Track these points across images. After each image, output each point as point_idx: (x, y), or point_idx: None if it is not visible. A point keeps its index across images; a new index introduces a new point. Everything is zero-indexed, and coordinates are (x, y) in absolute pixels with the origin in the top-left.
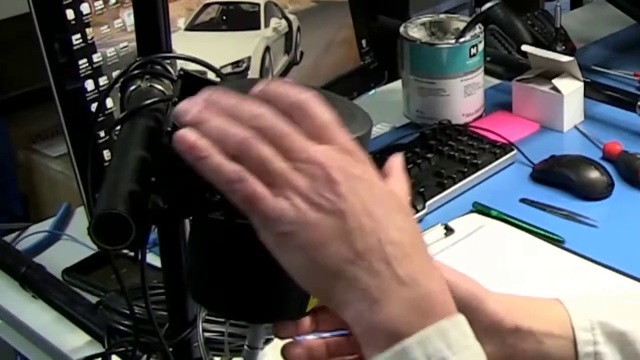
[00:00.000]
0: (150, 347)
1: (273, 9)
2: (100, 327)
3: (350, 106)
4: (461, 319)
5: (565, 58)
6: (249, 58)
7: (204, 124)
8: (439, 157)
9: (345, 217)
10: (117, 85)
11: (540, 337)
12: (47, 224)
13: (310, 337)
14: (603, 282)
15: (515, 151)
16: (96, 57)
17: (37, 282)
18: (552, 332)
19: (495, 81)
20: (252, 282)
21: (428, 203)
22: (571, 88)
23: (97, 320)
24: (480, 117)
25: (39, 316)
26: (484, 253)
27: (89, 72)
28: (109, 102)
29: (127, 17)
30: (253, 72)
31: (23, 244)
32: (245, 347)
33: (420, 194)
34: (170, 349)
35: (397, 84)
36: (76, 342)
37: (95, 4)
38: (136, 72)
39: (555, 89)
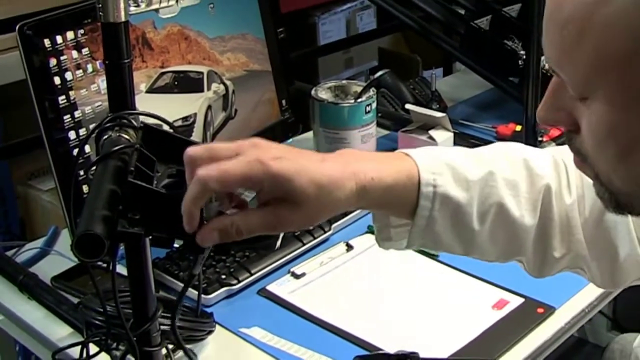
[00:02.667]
0: (119, 337)
1: (214, 76)
2: (80, 322)
3: None
4: None
5: (439, 114)
6: (195, 114)
7: None
8: None
9: None
10: (94, 135)
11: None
12: (39, 242)
13: None
14: (469, 288)
15: None
16: (77, 114)
17: (31, 287)
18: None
19: (385, 132)
20: None
21: (333, 226)
22: (444, 137)
23: (78, 316)
24: None
25: (33, 313)
26: (376, 264)
27: (72, 125)
28: (87, 148)
29: (101, 82)
30: (198, 126)
31: (21, 257)
32: None
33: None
34: (135, 339)
35: (309, 134)
36: (62, 333)
37: (77, 72)
38: (108, 125)
39: (431, 138)
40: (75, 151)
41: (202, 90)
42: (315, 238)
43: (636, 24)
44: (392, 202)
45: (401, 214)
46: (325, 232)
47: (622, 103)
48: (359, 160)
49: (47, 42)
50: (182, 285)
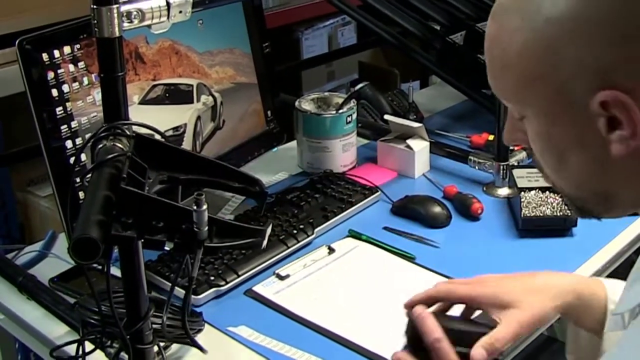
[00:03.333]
0: (113, 336)
1: (203, 88)
2: (77, 321)
3: None
4: None
5: (416, 124)
6: (185, 124)
7: None
8: (324, 197)
9: None
10: (89, 144)
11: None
12: (38, 245)
13: None
14: None
15: (379, 192)
16: (74, 124)
17: (30, 288)
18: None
19: (365, 141)
20: None
21: (316, 230)
22: (420, 146)
23: (74, 315)
24: (353, 167)
25: (31, 313)
26: (357, 267)
27: (69, 134)
28: (83, 157)
29: (97, 94)
30: (188, 135)
31: (20, 260)
32: None
33: (310, 224)
34: (128, 337)
35: (293, 143)
36: (59, 332)
37: (73, 85)
38: (103, 134)
39: (408, 147)
40: (72, 159)
41: (191, 102)
42: (299, 242)
43: (540, 51)
44: (589, 311)
45: (591, 323)
46: (308, 236)
47: (547, 116)
48: (564, 276)
49: (45, 56)
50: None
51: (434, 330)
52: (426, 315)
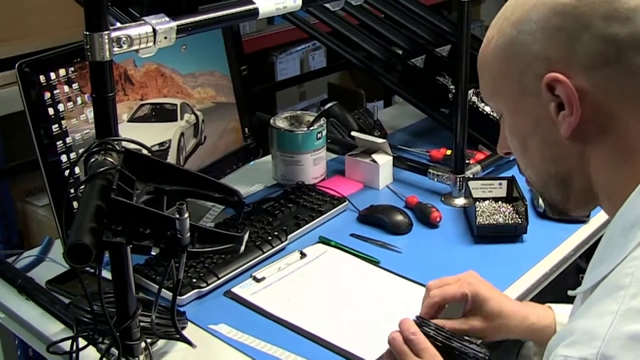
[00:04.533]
0: (104, 333)
1: (186, 107)
2: (71, 319)
3: None
4: None
5: (380, 140)
6: (170, 140)
7: None
8: (296, 206)
9: None
10: (82, 158)
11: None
12: (35, 251)
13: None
14: (406, 290)
15: (347, 202)
16: (68, 140)
17: (28, 289)
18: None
19: (334, 155)
20: None
21: (289, 236)
22: (384, 160)
23: (69, 314)
24: (323, 179)
25: (30, 312)
26: (326, 270)
27: (64, 149)
28: (77, 170)
29: (89, 113)
30: (172, 150)
31: (19, 264)
32: None
33: (283, 231)
34: (118, 334)
35: (268, 158)
36: (55, 329)
37: (68, 104)
38: (95, 149)
39: (374, 161)
40: (67, 172)
41: (176, 120)
42: (273, 247)
43: (504, 50)
44: (546, 335)
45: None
46: (282, 242)
47: (511, 108)
48: (532, 305)
49: (42, 78)
50: (158, 287)
51: (409, 327)
52: (405, 320)
